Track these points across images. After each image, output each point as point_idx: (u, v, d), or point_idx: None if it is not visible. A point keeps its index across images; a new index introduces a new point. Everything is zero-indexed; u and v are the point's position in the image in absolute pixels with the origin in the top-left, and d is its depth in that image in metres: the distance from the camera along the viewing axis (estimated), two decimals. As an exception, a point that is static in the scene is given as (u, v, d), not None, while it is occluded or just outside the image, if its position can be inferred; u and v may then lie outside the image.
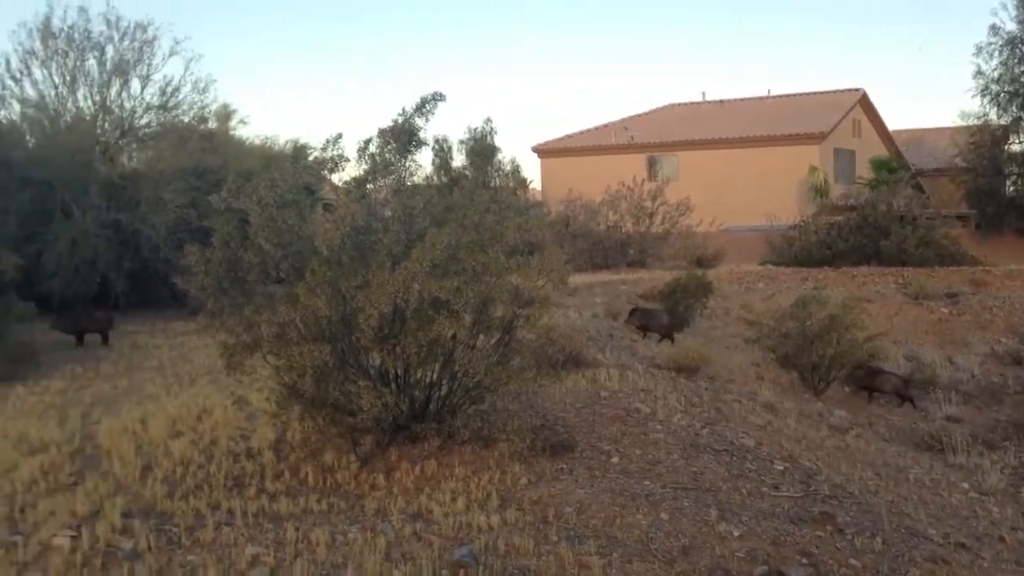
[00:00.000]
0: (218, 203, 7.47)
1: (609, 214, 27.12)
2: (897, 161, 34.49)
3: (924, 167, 34.00)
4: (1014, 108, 30.49)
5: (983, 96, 30.61)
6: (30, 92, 19.95)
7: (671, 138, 34.94)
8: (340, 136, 7.49)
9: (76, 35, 19.68)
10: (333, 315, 6.72)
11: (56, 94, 19.94)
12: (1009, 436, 13.23)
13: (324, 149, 7.37)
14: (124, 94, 20.25)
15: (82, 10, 20.08)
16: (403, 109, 7.54)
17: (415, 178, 7.61)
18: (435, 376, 7.57)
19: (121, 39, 20.01)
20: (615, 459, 7.68)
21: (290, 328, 6.85)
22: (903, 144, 36.78)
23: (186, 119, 20.87)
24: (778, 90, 40.61)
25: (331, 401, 6.98)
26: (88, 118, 19.94)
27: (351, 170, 7.59)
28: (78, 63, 19.78)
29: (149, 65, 20.32)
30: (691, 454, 7.89)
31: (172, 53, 20.59)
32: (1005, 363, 16.90)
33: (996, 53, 30.37)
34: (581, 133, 37.79)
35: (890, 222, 24.79)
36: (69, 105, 19.97)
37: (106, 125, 20.21)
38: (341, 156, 7.44)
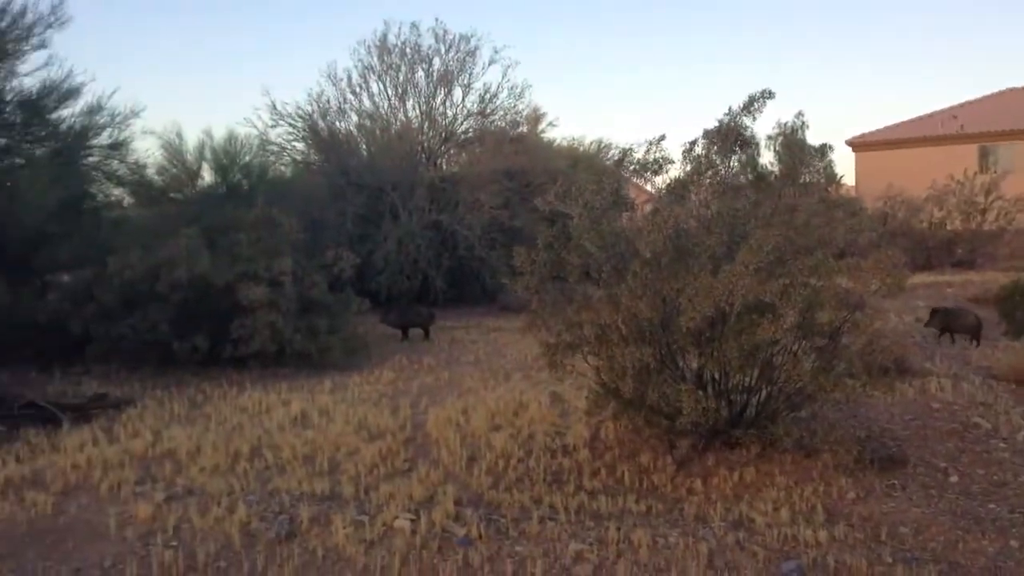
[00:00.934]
0: (542, 206, 7.72)
1: (934, 210, 25.03)
2: None
3: None
4: None
5: None
6: (367, 104, 21.77)
7: (1009, 126, 31.41)
8: (663, 138, 7.46)
9: (408, 50, 21.26)
10: (654, 317, 6.71)
11: (388, 105, 21.65)
12: None
13: (647, 152, 7.35)
14: (447, 102, 21.57)
15: (414, 26, 21.49)
16: (729, 108, 7.37)
17: (740, 178, 7.38)
18: (753, 381, 7.34)
19: (447, 51, 21.33)
20: (953, 478, 7.09)
21: (611, 329, 6.92)
22: None
23: (501, 124, 21.86)
24: None
25: (649, 403, 6.99)
26: (415, 126, 21.43)
27: (673, 171, 7.54)
28: (409, 75, 21.34)
29: (471, 74, 21.53)
30: (1042, 477, 7.03)
31: (491, 62, 21.71)
32: None
33: None
34: (901, 124, 34.99)
35: None
36: (400, 115, 21.60)
37: (430, 132, 21.60)
38: (665, 159, 7.40)
